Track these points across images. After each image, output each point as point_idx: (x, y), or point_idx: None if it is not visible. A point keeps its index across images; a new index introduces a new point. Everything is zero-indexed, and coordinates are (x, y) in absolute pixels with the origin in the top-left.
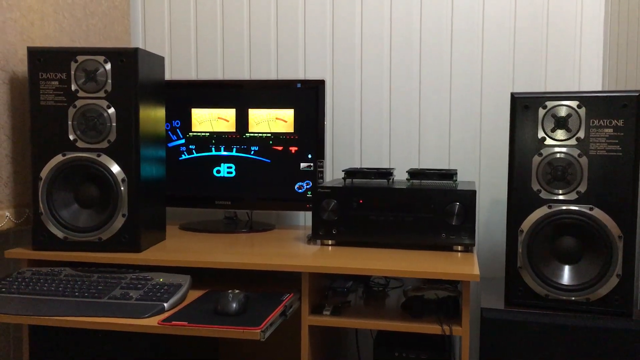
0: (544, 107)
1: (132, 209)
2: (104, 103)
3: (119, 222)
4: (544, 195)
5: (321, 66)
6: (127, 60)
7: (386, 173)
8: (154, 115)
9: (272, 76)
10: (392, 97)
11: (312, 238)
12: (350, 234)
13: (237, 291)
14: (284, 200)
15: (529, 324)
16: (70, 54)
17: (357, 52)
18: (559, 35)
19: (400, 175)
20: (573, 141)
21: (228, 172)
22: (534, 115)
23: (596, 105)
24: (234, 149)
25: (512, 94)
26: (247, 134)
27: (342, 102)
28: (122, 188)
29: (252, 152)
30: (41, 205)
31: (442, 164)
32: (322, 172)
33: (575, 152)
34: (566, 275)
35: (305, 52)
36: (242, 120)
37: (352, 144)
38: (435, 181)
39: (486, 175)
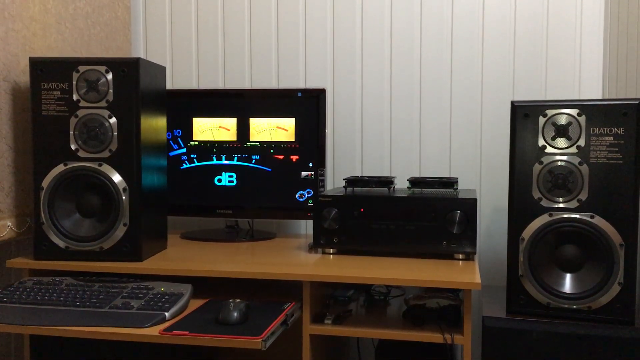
0: (544, 115)
1: (133, 218)
2: (106, 113)
3: (120, 231)
4: (544, 203)
5: (322, 75)
6: (128, 70)
7: (387, 181)
8: (155, 125)
9: (273, 85)
10: (392, 106)
11: (313, 247)
12: (351, 243)
13: (238, 300)
14: (285, 209)
15: (531, 332)
16: (72, 64)
17: (357, 60)
18: (559, 43)
19: (401, 184)
20: (573, 149)
21: (229, 181)
22: (534, 123)
23: (596, 113)
24: (235, 158)
25: (513, 102)
26: (248, 143)
27: (342, 110)
28: (123, 197)
29: (253, 161)
30: (42, 214)
31: (443, 172)
32: (323, 180)
33: (576, 160)
34: (568, 284)
35: (306, 61)
36: (243, 129)
37: (353, 153)
38: (436, 189)
39: (487, 183)
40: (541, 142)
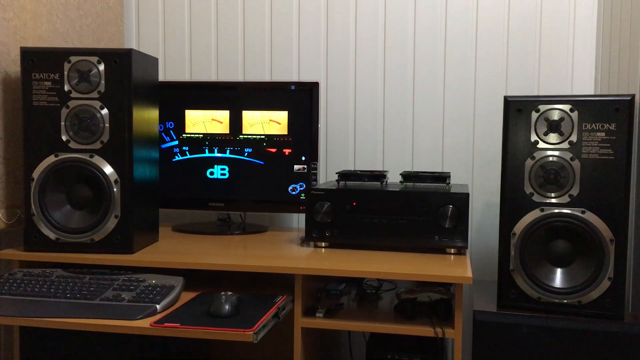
0: (537, 110)
1: (124, 210)
2: (97, 104)
3: (111, 223)
4: (536, 198)
5: (315, 68)
6: (120, 61)
7: (380, 175)
8: (147, 117)
9: (266, 78)
10: (385, 100)
11: (306, 240)
12: (343, 236)
13: (229, 293)
14: (278, 202)
15: (521, 326)
16: (63, 54)
17: (351, 54)
18: (551, 39)
19: (394, 178)
20: (565, 145)
21: (221, 174)
22: (526, 118)
23: (589, 109)
24: (228, 151)
25: (505, 98)
26: (240, 136)
27: (336, 104)
28: (114, 189)
29: (246, 154)
30: (33, 206)
31: (436, 166)
32: (315, 174)
33: (568, 156)
34: (558, 278)
35: (300, 54)
36: (235, 122)
37: (346, 147)
38: (428, 184)
39: (479, 178)
40: (533, 137)
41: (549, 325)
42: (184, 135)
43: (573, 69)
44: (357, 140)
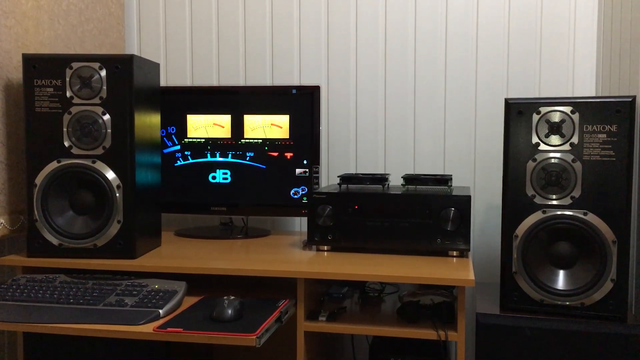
0: (538, 112)
1: (127, 215)
2: (99, 109)
3: (114, 228)
4: (538, 200)
5: (316, 72)
6: (122, 67)
7: (381, 179)
8: (149, 122)
9: (267, 82)
10: (387, 103)
11: (308, 244)
12: (345, 240)
13: (232, 297)
14: (280, 206)
15: (524, 329)
16: (65, 60)
17: (352, 58)
18: (552, 40)
19: (396, 181)
20: (567, 146)
21: (223, 178)
22: (528, 120)
23: (590, 110)
24: (230, 155)
25: (506, 100)
26: (242, 140)
27: (337, 108)
28: (117, 194)
29: (248, 158)
30: (36, 211)
31: (437, 169)
32: (317, 177)
33: (569, 158)
34: (561, 280)
35: (301, 58)
36: (237, 126)
37: (348, 150)
38: (430, 187)
39: (481, 180)
40: (535, 139)
41: (552, 327)
42: (185, 140)
43: (574, 70)
44: (358, 144)
